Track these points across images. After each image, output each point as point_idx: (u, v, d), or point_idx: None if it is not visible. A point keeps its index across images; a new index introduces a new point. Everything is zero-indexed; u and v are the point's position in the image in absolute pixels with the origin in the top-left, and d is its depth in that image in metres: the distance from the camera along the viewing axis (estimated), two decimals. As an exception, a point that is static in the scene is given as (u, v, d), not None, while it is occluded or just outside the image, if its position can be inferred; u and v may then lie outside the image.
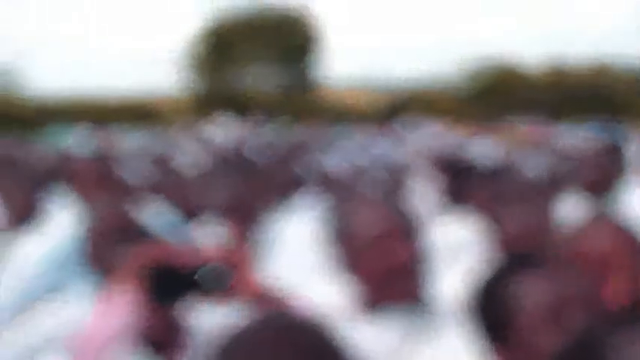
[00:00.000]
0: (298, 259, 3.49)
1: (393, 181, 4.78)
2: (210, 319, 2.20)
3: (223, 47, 38.22)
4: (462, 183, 3.88)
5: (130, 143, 12.70)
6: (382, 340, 2.13)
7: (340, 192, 4.18)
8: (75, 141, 8.75)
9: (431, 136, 15.04)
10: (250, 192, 3.43)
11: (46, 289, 3.09)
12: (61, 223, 4.48)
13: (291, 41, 37.73)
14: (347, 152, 10.32)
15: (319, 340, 1.29)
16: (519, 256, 1.75)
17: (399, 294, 2.11)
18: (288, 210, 5.80)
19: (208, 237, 2.63)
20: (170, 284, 1.77)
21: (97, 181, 3.46)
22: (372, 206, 2.22)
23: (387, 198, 3.40)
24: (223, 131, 23.76)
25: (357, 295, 2.20)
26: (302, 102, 38.36)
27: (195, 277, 1.76)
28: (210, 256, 1.78)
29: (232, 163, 4.92)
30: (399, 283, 2.11)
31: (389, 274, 2.10)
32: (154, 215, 3.55)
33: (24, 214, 4.13)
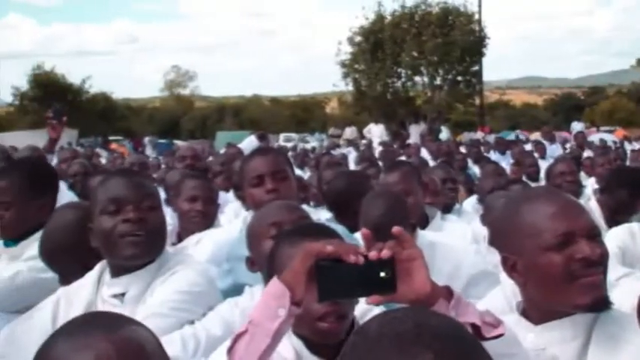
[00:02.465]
0: (461, 261, 3.49)
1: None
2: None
3: (386, 45, 38.31)
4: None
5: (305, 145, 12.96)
6: (565, 347, 2.10)
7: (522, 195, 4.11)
8: (245, 145, 9.02)
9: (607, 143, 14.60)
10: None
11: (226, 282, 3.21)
12: (231, 220, 4.69)
13: (455, 38, 37.29)
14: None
15: (454, 346, 1.28)
16: None
17: (582, 297, 2.06)
18: (458, 213, 5.81)
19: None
20: (340, 281, 1.77)
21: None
22: (554, 205, 2.17)
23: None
24: (384, 132, 23.90)
25: (533, 299, 2.17)
26: (470, 104, 37.91)
27: (363, 275, 1.76)
28: (380, 255, 1.78)
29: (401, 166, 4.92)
30: (583, 286, 2.06)
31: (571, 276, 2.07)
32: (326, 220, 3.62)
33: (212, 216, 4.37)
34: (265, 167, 3.40)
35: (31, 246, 3.39)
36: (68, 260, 3.02)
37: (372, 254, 1.78)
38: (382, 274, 1.77)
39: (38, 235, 3.39)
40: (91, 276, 2.77)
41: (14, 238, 3.51)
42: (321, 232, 2.23)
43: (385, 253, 1.78)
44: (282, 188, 3.34)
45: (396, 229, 1.84)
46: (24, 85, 53.39)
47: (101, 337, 1.41)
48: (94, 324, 1.45)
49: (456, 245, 3.55)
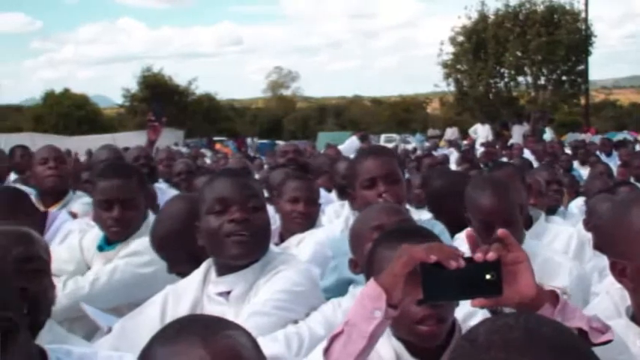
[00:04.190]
0: (561, 263, 3.41)
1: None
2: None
3: (489, 45, 37.82)
4: None
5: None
6: None
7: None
8: (346, 146, 9.05)
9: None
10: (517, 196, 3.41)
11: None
12: (332, 220, 4.71)
13: (560, 37, 36.48)
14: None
15: (567, 357, 1.25)
16: None
17: None
18: (562, 215, 5.69)
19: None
20: (445, 283, 1.76)
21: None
22: None
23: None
24: (490, 133, 23.55)
25: None
26: (574, 104, 37.01)
27: (468, 277, 1.75)
28: (486, 257, 1.76)
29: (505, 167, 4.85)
30: None
31: None
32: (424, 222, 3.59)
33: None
34: (378, 170, 3.40)
35: (127, 245, 3.48)
36: (176, 248, 3.11)
37: (478, 256, 1.77)
38: (487, 277, 1.76)
39: (134, 235, 3.50)
40: (198, 274, 2.82)
41: (124, 237, 3.54)
42: (419, 234, 2.22)
43: (491, 256, 1.76)
44: (393, 191, 3.34)
45: (501, 231, 1.82)
46: (134, 86, 55.00)
47: (197, 343, 1.42)
48: (190, 329, 1.47)
49: (558, 261, 3.45)
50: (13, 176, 7.19)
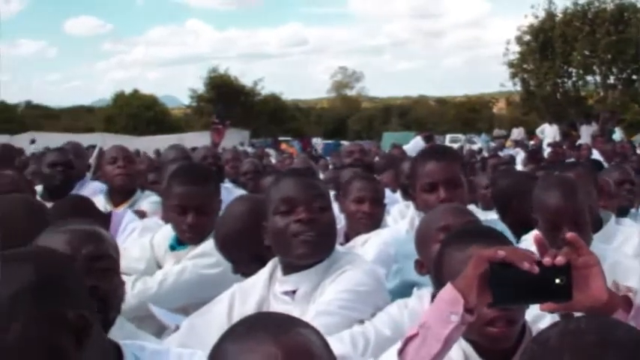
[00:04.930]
0: (631, 266, 3.33)
1: None
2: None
3: (556, 44, 37.26)
4: None
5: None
6: None
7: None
8: (411, 146, 9.02)
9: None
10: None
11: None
12: (397, 220, 4.70)
13: (631, 35, 35.71)
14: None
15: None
16: None
17: None
18: (634, 217, 5.57)
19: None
20: (514, 286, 1.74)
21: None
22: None
23: None
24: (557, 133, 23.20)
25: None
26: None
27: (537, 281, 1.73)
28: (555, 261, 1.74)
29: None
30: None
31: None
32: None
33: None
34: (439, 175, 3.37)
35: (197, 246, 3.51)
36: (239, 248, 3.13)
37: (547, 260, 1.74)
38: (557, 281, 1.73)
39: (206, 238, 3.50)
40: (264, 273, 2.85)
41: (198, 242, 3.54)
42: (488, 235, 2.20)
43: (560, 260, 1.74)
44: (454, 197, 3.31)
45: (570, 235, 1.79)
46: (200, 87, 55.67)
47: (268, 340, 1.43)
48: (261, 326, 1.48)
49: (628, 264, 3.37)
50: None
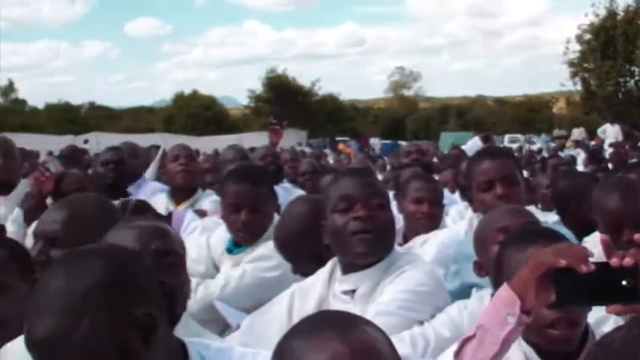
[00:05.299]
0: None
1: None
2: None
3: (618, 42, 36.59)
4: None
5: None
6: None
7: None
8: (469, 147, 8.97)
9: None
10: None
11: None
12: (456, 220, 4.67)
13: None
14: None
15: None
16: None
17: None
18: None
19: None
20: (578, 288, 1.72)
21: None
22: None
23: None
24: (619, 133, 22.78)
25: None
26: None
27: (603, 283, 1.71)
28: (622, 262, 1.72)
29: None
30: None
31: None
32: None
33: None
34: (495, 172, 3.33)
35: (255, 249, 3.52)
36: (299, 248, 3.14)
37: (614, 262, 1.72)
38: (624, 283, 1.71)
39: (262, 238, 3.52)
40: (324, 272, 2.85)
41: (252, 242, 3.57)
42: (547, 236, 2.18)
43: (628, 261, 1.71)
44: (511, 194, 3.27)
45: (638, 236, 1.77)
46: (258, 88, 56.01)
47: (335, 337, 1.44)
48: (327, 324, 1.49)
49: None
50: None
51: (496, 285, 2.27)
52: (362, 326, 1.50)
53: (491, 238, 2.71)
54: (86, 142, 24.05)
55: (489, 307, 1.87)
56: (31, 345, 1.62)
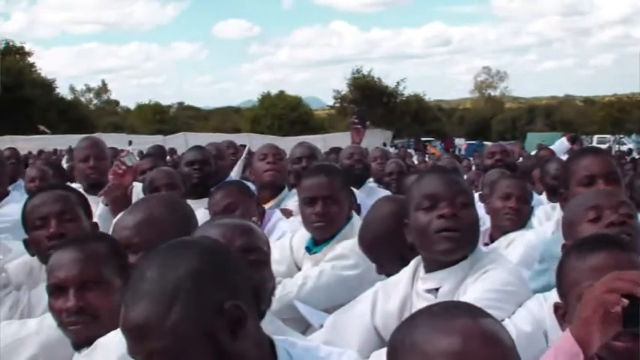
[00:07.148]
0: None
1: None
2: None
3: None
4: None
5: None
6: None
7: None
8: (556, 147, 8.80)
9: None
10: None
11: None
12: (543, 222, 4.61)
13: None
14: None
15: None
16: None
17: None
18: None
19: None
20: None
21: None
22: None
23: None
24: None
25: None
26: None
27: None
28: None
29: None
30: None
31: None
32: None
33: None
34: (598, 168, 3.31)
35: (333, 248, 3.53)
36: (384, 249, 3.14)
37: None
38: None
39: (339, 236, 3.55)
40: (407, 271, 2.85)
41: (330, 238, 3.59)
42: (612, 244, 2.14)
43: None
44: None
45: None
46: (344, 88, 56.11)
47: (468, 321, 1.45)
48: (455, 310, 1.50)
49: None
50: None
51: (559, 292, 2.27)
52: (488, 317, 1.52)
53: (581, 216, 2.69)
54: (130, 143, 23.93)
55: (549, 356, 1.82)
56: (125, 329, 1.68)
